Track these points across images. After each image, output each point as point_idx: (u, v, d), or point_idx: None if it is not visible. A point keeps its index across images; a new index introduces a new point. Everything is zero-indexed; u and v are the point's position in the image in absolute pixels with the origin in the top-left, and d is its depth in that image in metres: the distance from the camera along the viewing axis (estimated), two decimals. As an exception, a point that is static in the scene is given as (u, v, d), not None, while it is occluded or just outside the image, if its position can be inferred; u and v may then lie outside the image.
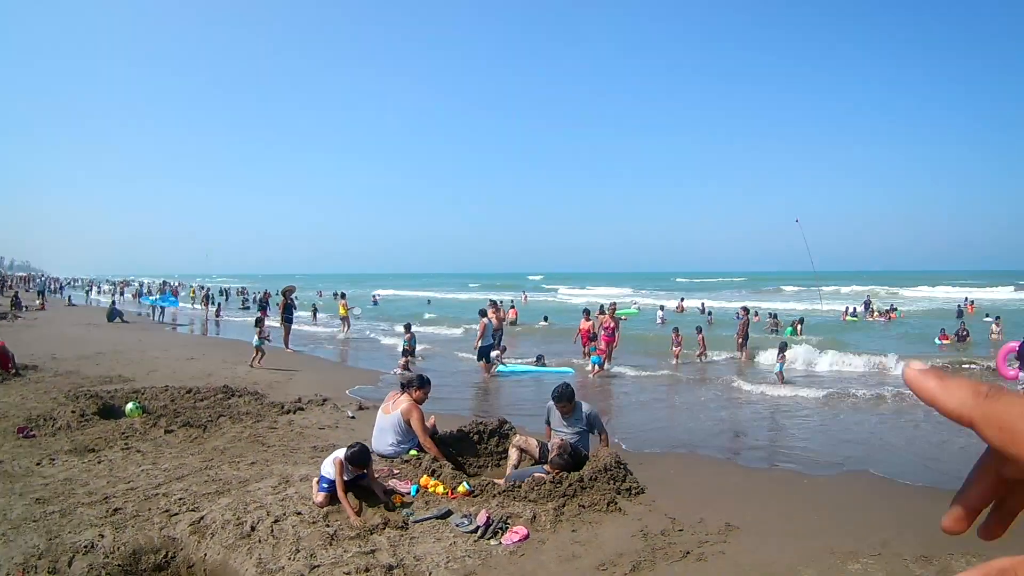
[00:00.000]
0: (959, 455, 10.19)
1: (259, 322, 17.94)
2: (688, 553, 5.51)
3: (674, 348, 19.74)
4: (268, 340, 17.34)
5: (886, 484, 8.53)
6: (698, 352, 19.99)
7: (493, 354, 17.20)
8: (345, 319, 27.89)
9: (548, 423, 8.15)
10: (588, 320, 19.74)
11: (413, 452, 7.85)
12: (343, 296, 31.22)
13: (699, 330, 20.56)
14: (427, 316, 36.21)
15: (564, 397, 7.77)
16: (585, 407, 7.98)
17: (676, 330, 20.51)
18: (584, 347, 19.37)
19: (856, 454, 10.02)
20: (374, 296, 55.88)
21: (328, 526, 5.83)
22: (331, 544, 5.52)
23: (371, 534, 5.75)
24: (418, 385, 8.24)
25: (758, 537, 6.01)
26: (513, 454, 7.75)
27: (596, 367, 16.77)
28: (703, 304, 40.33)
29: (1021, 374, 12.69)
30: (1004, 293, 61.17)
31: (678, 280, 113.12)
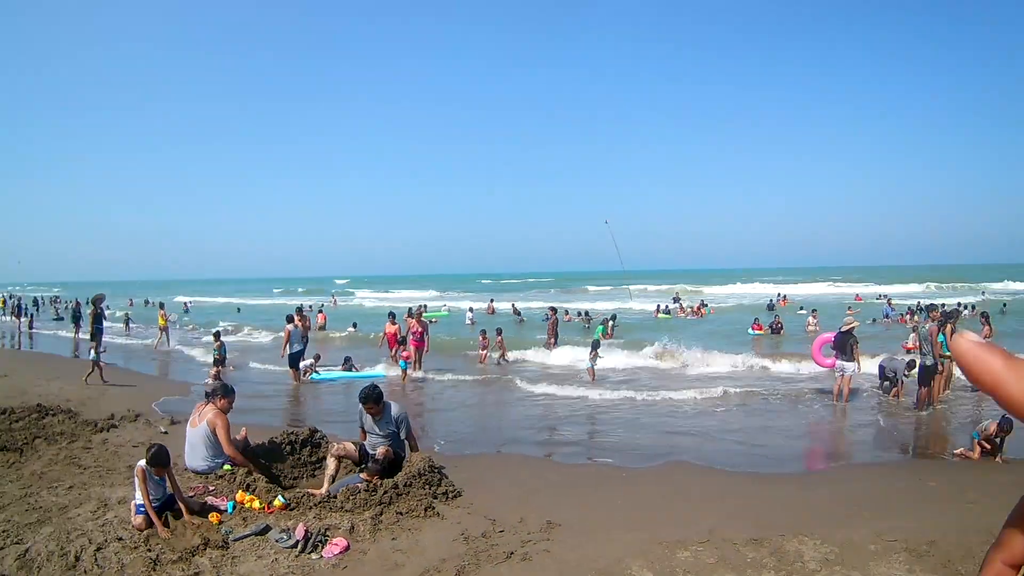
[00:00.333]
0: (777, 439, 10.80)
1: (95, 335, 16.82)
2: (512, 554, 5.43)
3: (481, 351, 19.72)
4: (104, 352, 16.10)
5: (707, 472, 8.73)
6: (499, 354, 19.76)
7: (306, 362, 16.78)
8: (164, 329, 26.16)
9: (362, 427, 7.86)
10: (394, 324, 18.99)
11: (227, 467, 7.39)
12: (162, 306, 29.57)
13: (499, 332, 20.35)
14: (234, 324, 34.48)
15: (371, 399, 7.50)
16: (394, 409, 7.76)
17: (483, 332, 20.51)
18: (391, 351, 18.73)
19: (674, 445, 10.25)
20: (185, 304, 53.66)
21: (150, 550, 5.49)
22: (155, 569, 5.19)
23: (193, 556, 5.43)
24: (222, 394, 7.83)
25: (582, 533, 5.97)
26: (331, 464, 7.43)
27: (404, 372, 16.52)
28: (514, 305, 40.25)
29: (837, 363, 13.58)
30: (820, 288, 64.30)
31: (483, 282, 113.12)
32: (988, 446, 9.65)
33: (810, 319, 26.76)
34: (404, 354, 16.91)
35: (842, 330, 13.73)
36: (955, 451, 9.95)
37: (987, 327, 14.84)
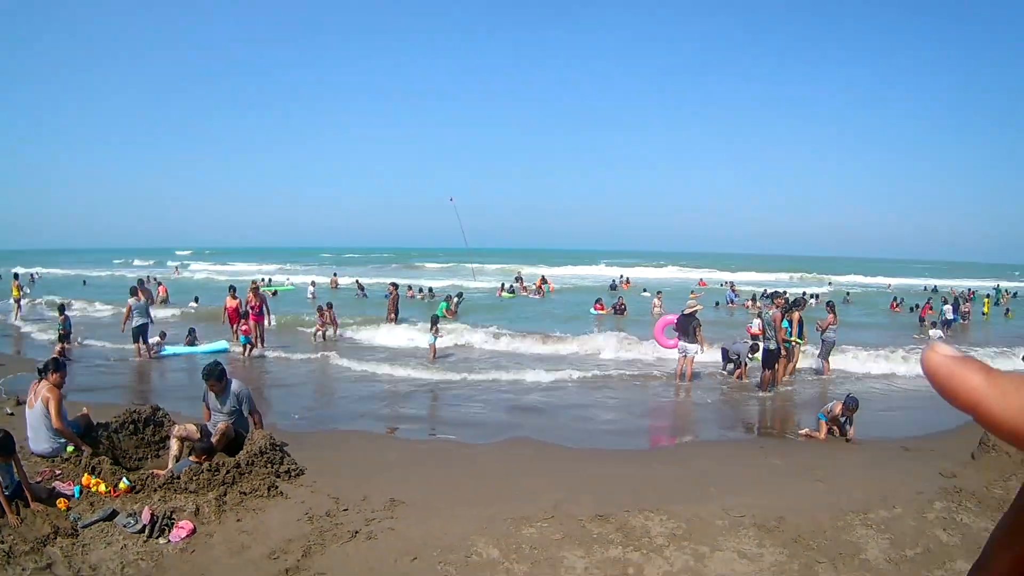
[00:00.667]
0: (621, 417, 11.09)
1: None
2: (357, 532, 5.41)
3: (318, 327, 19.17)
4: None
5: (550, 449, 8.88)
6: (332, 329, 19.32)
7: (154, 340, 16.17)
8: (18, 301, 24.52)
9: (206, 404, 7.69)
10: (235, 298, 18.09)
11: (71, 448, 7.09)
12: (16, 276, 27.24)
13: (329, 306, 19.82)
14: (82, 298, 31.26)
15: (213, 375, 7.39)
16: (235, 386, 7.61)
17: (320, 308, 19.91)
18: (232, 326, 17.99)
19: (517, 422, 10.40)
20: (32, 275, 48.27)
21: (2, 542, 5.18)
22: (8, 563, 4.99)
23: (44, 546, 5.24)
24: (53, 368, 7.47)
25: (426, 510, 5.98)
26: (174, 445, 7.19)
27: (245, 348, 16.09)
28: (358, 280, 39.21)
29: (680, 344, 14.04)
30: (667, 272, 66.30)
31: (323, 255, 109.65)
32: (835, 427, 9.98)
33: (655, 301, 26.79)
34: (243, 328, 16.33)
35: (685, 312, 14.15)
36: (801, 431, 10.31)
37: (832, 315, 15.79)
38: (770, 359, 13.21)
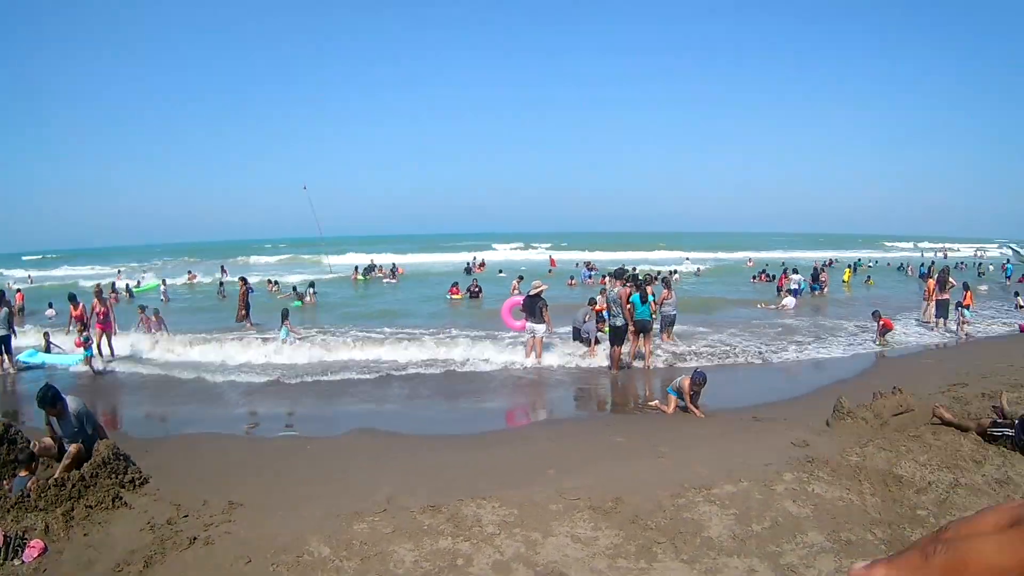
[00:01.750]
0: (467, 401, 11.35)
1: None
2: (195, 539, 5.28)
3: (144, 327, 18.05)
4: None
5: (391, 438, 8.91)
6: (155, 331, 18.10)
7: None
8: None
9: (51, 427, 7.12)
10: (77, 306, 16.53)
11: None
12: None
13: (141, 309, 18.88)
14: None
15: (46, 402, 6.78)
16: (73, 405, 7.01)
17: (142, 308, 19.01)
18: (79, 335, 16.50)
19: (363, 412, 10.45)
20: None
21: None
22: None
23: None
24: None
25: (263, 511, 5.91)
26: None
27: (88, 359, 14.92)
28: (221, 276, 37.57)
29: (528, 324, 14.33)
30: (527, 254, 68.85)
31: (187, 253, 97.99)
32: (684, 401, 10.06)
33: (514, 283, 25.73)
34: (77, 341, 15.30)
35: (531, 294, 14.36)
36: (650, 403, 10.50)
37: (667, 290, 16.36)
38: (617, 336, 13.37)
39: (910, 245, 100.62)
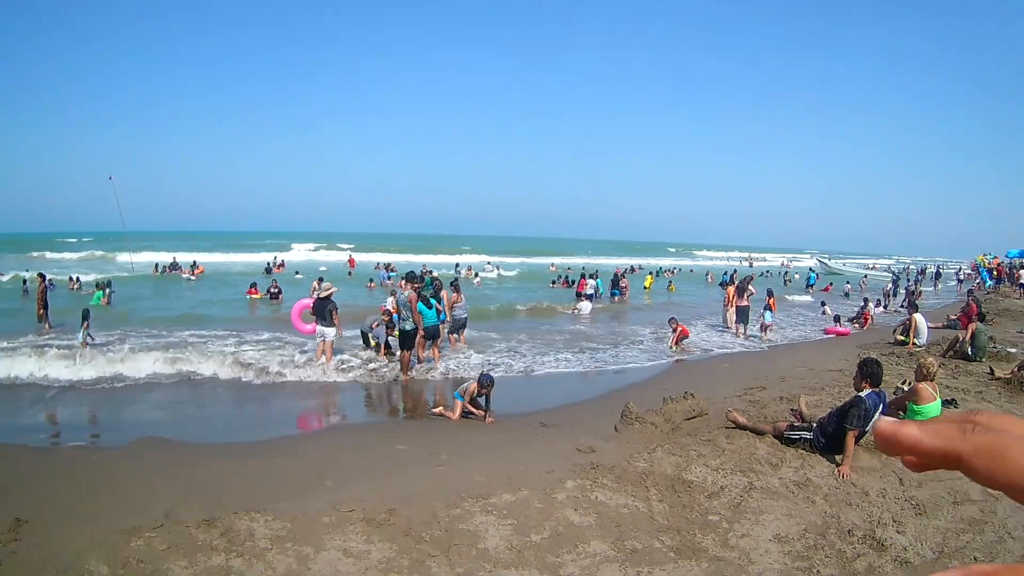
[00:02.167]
0: (253, 407, 11.29)
1: None
2: None
3: None
4: None
5: (175, 447, 8.69)
6: None
7: None
8: None
9: None
10: None
11: None
12: None
13: None
14: None
15: None
16: None
17: None
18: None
19: (150, 420, 10.18)
20: None
21: None
22: None
23: None
24: None
25: (47, 528, 5.72)
26: None
27: None
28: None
29: (318, 328, 14.19)
30: (333, 255, 67.24)
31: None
32: (471, 406, 10.11)
33: (314, 284, 24.78)
34: None
35: (320, 296, 14.32)
36: (434, 409, 10.47)
37: (456, 294, 16.52)
38: (407, 340, 13.50)
39: (721, 254, 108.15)
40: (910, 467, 0.61)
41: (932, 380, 8.64)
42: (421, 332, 13.68)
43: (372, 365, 14.38)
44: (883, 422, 0.61)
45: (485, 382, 10.00)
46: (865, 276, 50.73)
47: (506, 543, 5.31)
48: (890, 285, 36.84)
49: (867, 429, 7.44)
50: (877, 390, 7.64)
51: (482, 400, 10.12)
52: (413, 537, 5.37)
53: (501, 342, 17.67)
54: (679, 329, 17.95)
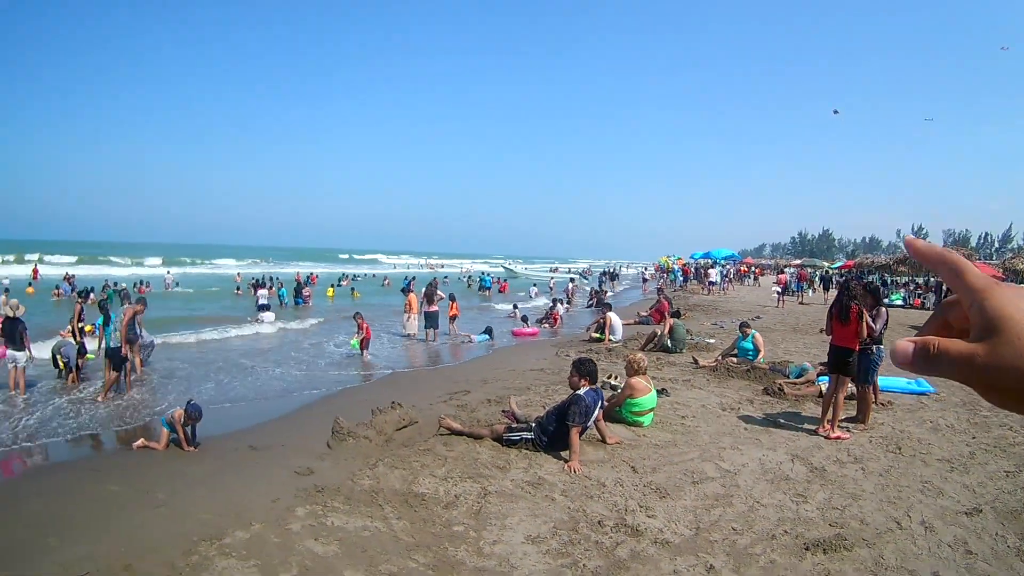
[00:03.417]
0: None
1: None
2: None
3: None
4: None
5: None
6: None
7: None
8: None
9: None
10: None
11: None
12: None
13: None
14: None
15: None
16: None
17: None
18: None
19: None
20: None
21: None
22: None
23: None
24: None
25: None
26: None
27: None
28: None
29: (8, 352, 12.34)
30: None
31: None
32: (176, 434, 8.87)
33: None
34: None
35: (9, 316, 12.54)
36: (136, 443, 9.10)
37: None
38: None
39: (403, 260, 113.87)
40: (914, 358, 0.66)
41: (644, 373, 9.31)
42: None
43: (67, 388, 12.81)
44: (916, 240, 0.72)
45: (193, 413, 8.88)
46: (551, 279, 55.22)
47: (258, 585, 4.82)
48: (571, 286, 38.91)
49: (588, 424, 7.72)
50: (594, 387, 8.00)
51: (188, 430, 8.99)
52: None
53: (181, 353, 17.00)
54: (364, 326, 17.56)
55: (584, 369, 8.01)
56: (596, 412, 7.95)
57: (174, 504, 6.60)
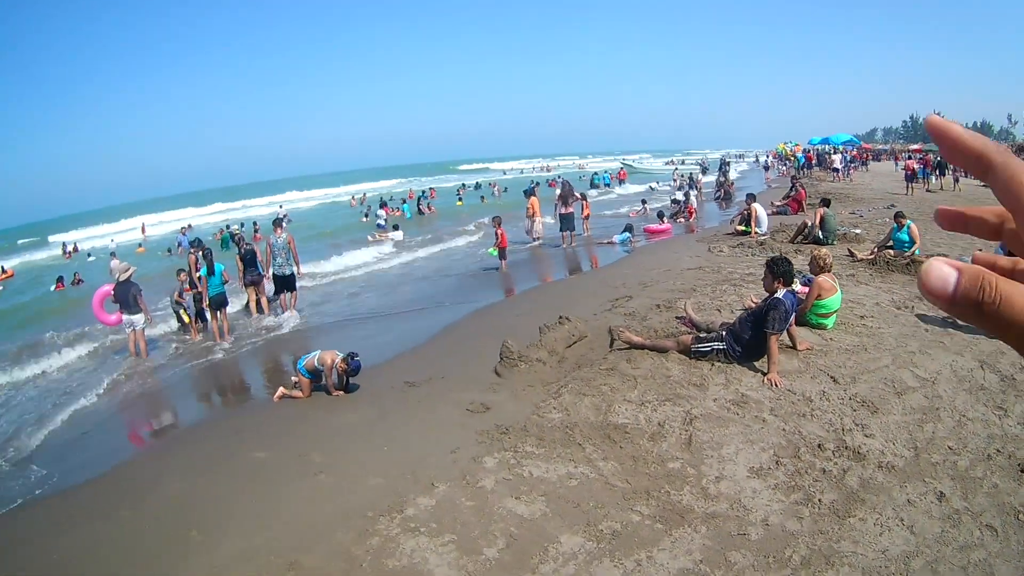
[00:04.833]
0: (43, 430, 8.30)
1: None
2: None
3: None
4: None
5: None
6: None
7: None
8: None
9: None
10: None
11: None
12: None
13: None
14: None
15: None
16: None
17: None
18: None
19: None
20: None
21: None
22: None
23: None
24: None
25: None
26: None
27: None
28: None
29: (124, 317, 11.76)
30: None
31: None
32: (325, 381, 7.69)
33: (112, 266, 21.83)
34: None
35: (120, 280, 11.75)
36: (276, 395, 7.97)
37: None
38: (289, 283, 12.70)
39: (510, 165, 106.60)
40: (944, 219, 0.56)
41: (830, 271, 8.15)
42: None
43: (177, 346, 12.14)
44: (934, 116, 0.51)
45: (355, 367, 7.53)
46: (676, 170, 53.13)
47: (461, 572, 3.88)
48: (699, 175, 36.30)
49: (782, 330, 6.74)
50: (791, 288, 7.00)
51: (339, 380, 7.66)
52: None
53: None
54: (501, 233, 15.91)
55: (779, 269, 6.81)
56: (791, 320, 6.89)
57: (335, 468, 5.53)
